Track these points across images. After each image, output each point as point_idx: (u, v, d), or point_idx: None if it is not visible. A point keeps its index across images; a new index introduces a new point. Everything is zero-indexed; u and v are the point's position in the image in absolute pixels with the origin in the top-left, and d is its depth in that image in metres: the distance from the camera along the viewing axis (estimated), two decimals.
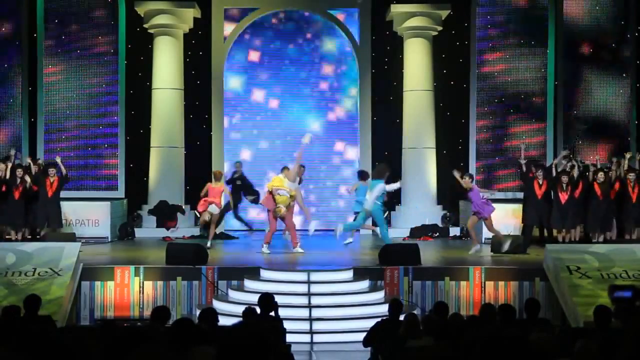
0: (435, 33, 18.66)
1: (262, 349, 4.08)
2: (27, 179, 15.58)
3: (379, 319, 8.94)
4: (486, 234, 15.55)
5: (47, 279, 12.00)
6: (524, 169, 15.99)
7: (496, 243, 14.63)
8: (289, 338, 9.27)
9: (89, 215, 16.90)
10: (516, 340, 4.52)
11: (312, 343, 11.19)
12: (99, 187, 18.66)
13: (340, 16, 19.33)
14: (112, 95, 18.82)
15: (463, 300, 12.74)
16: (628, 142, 18.64)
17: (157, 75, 18.45)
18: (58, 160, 16.10)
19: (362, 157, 19.16)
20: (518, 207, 16.30)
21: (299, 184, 15.77)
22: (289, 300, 11.62)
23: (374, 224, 15.52)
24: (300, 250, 14.64)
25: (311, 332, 11.32)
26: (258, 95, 19.73)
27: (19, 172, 15.63)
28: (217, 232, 17.34)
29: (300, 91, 19.71)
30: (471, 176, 15.21)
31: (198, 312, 8.79)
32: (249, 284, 12.48)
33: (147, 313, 11.32)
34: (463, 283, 12.79)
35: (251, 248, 15.52)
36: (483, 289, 12.76)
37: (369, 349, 8.64)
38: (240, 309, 9.10)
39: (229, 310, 11.36)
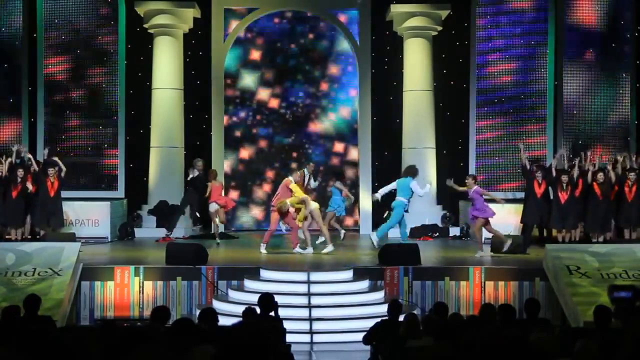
0: (435, 33, 18.66)
1: (262, 349, 4.08)
2: (29, 185, 15.56)
3: (380, 319, 8.94)
4: (486, 234, 15.54)
5: (47, 279, 12.00)
6: (528, 166, 16.00)
7: (496, 243, 14.63)
8: (289, 338, 9.27)
9: (89, 215, 16.90)
10: (516, 340, 4.53)
11: (312, 343, 11.19)
12: (99, 187, 18.64)
13: (343, 17, 19.33)
14: (112, 95, 18.81)
15: (463, 300, 12.74)
16: (628, 142, 18.64)
17: (157, 75, 18.45)
18: (44, 151, 16.51)
19: (362, 157, 19.16)
20: (518, 207, 16.30)
21: (314, 181, 16.82)
22: (289, 300, 11.62)
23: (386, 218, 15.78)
24: (300, 250, 14.64)
25: (311, 332, 11.32)
26: (258, 94, 19.73)
27: (20, 172, 15.63)
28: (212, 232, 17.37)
29: (300, 91, 19.71)
30: (474, 177, 15.18)
31: (198, 312, 8.78)
32: (248, 284, 12.48)
33: (147, 313, 11.31)
34: (463, 283, 12.79)
35: (251, 248, 15.51)
36: (483, 289, 12.76)
37: (369, 349, 8.64)
38: (240, 309, 9.10)
39: (229, 310, 11.36)
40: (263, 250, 14.64)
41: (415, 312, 11.17)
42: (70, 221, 16.58)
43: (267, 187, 19.61)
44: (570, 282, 12.02)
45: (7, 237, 15.51)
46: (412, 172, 15.42)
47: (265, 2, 19.23)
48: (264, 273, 12.70)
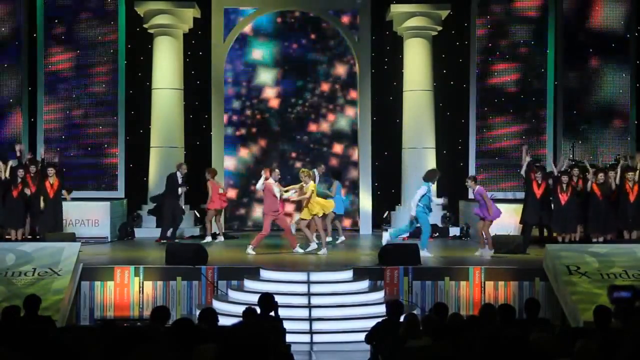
0: (435, 33, 18.66)
1: (262, 349, 4.08)
2: (27, 191, 15.54)
3: (382, 319, 8.94)
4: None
5: (47, 279, 11.99)
6: (524, 168, 15.84)
7: (497, 243, 14.62)
8: (289, 338, 9.27)
9: (89, 215, 16.90)
10: (516, 340, 4.53)
11: (312, 343, 11.19)
12: (99, 187, 18.64)
13: (346, 19, 19.32)
14: (112, 95, 18.81)
15: (463, 300, 12.74)
16: (628, 142, 18.64)
17: (157, 75, 18.44)
18: (41, 150, 16.60)
19: (362, 157, 19.16)
20: (518, 207, 16.28)
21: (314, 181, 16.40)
22: (289, 300, 11.62)
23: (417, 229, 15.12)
24: (300, 250, 14.64)
25: (311, 332, 11.32)
26: (259, 94, 19.73)
27: (20, 172, 15.62)
28: (217, 232, 17.38)
29: (300, 91, 19.71)
30: (474, 178, 15.13)
31: (198, 312, 8.78)
32: (248, 284, 12.48)
33: (147, 313, 11.31)
34: (463, 283, 12.78)
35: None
36: (483, 289, 12.76)
37: (369, 349, 8.65)
38: (240, 309, 9.10)
39: (229, 310, 11.37)
40: (251, 251, 14.60)
41: (415, 312, 11.18)
42: (70, 221, 16.56)
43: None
44: (570, 282, 12.02)
45: (7, 237, 15.49)
46: (427, 176, 14.90)
47: (266, 2, 19.23)
48: (264, 273, 12.69)
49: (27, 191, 15.58)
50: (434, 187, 15.52)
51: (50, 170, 15.63)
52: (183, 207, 17.41)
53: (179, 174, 16.71)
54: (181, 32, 18.58)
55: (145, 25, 18.53)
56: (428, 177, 14.88)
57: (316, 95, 19.73)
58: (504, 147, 18.97)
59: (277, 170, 15.12)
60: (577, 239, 15.57)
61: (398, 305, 8.80)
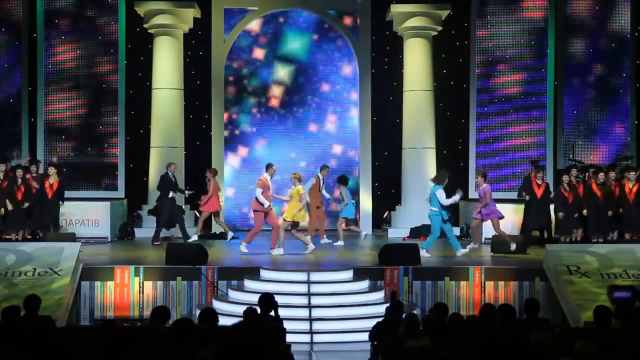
0: (435, 33, 18.66)
1: (262, 349, 4.07)
2: (33, 184, 15.56)
3: (383, 318, 8.96)
4: (486, 234, 15.55)
5: (47, 279, 11.99)
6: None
7: (497, 243, 14.63)
8: (289, 338, 9.28)
9: (89, 215, 16.89)
10: (516, 340, 4.52)
11: (312, 343, 11.20)
12: (99, 187, 18.64)
13: (346, 19, 19.32)
14: (112, 95, 18.80)
15: (463, 300, 12.74)
16: (628, 142, 18.64)
17: (157, 75, 18.45)
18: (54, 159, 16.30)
19: (362, 157, 19.16)
20: (517, 207, 16.27)
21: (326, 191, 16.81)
22: (289, 300, 11.63)
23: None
24: (280, 252, 14.46)
25: (311, 332, 11.33)
26: (259, 94, 19.73)
27: (19, 172, 15.62)
28: (218, 232, 17.36)
29: (300, 91, 19.71)
30: (483, 174, 15.04)
31: (198, 312, 8.77)
32: (248, 284, 12.49)
33: (147, 313, 11.31)
34: (463, 283, 12.78)
35: (251, 248, 15.49)
36: (483, 289, 12.76)
37: (369, 349, 8.65)
38: (240, 309, 9.11)
39: (229, 310, 11.37)
40: (244, 249, 14.57)
41: (415, 312, 11.18)
42: (70, 221, 16.56)
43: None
44: (570, 282, 12.02)
45: (7, 237, 15.49)
46: (438, 179, 14.66)
47: (266, 2, 19.22)
48: (264, 273, 12.70)
49: (26, 204, 15.57)
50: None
51: (51, 170, 15.64)
52: (183, 207, 17.40)
53: (169, 173, 16.53)
54: (181, 32, 18.58)
55: (145, 25, 18.54)
56: (439, 180, 14.60)
57: (317, 95, 19.72)
58: (503, 147, 18.97)
59: (274, 167, 15.07)
60: (577, 238, 15.57)
61: (398, 305, 8.81)
